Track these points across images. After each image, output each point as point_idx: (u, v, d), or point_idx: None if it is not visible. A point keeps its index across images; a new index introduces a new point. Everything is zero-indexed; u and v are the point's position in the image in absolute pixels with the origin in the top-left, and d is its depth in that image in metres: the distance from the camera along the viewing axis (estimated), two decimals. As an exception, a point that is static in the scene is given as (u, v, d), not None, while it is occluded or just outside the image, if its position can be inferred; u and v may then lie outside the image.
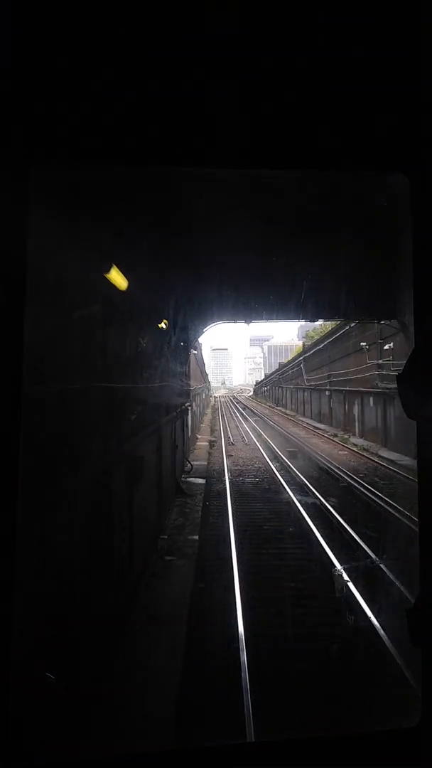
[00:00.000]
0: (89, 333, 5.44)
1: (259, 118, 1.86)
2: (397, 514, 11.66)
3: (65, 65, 1.73)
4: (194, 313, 15.74)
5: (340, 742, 1.86)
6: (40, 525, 3.75)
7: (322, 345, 33.41)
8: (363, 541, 9.79)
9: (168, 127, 1.84)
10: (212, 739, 4.10)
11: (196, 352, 24.46)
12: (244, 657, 5.79)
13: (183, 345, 15.88)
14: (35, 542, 3.70)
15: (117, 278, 6.36)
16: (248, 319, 18.59)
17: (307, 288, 12.95)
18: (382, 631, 6.31)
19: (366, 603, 7.03)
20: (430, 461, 1.72)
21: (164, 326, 11.16)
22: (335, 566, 8.45)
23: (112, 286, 6.31)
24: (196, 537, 10.35)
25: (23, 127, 1.72)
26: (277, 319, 23.78)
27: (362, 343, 24.12)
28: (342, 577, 8.03)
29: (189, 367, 19.02)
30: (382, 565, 8.53)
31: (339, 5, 1.77)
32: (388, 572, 8.16)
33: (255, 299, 15.94)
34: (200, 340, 25.05)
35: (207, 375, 51.50)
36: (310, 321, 23.54)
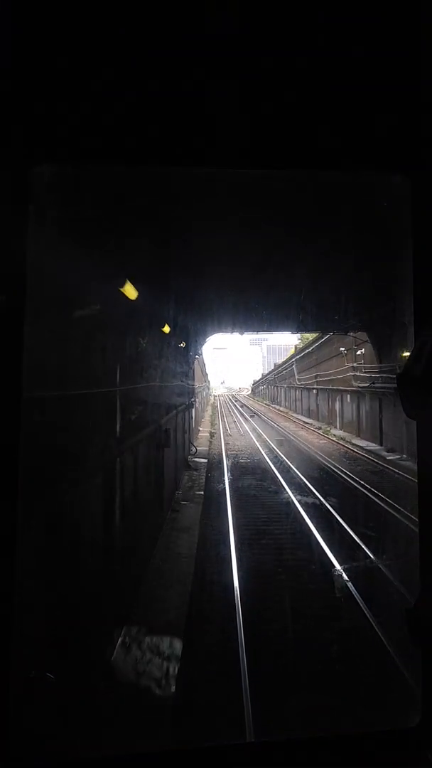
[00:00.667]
0: (146, 356, 9.46)
1: (259, 118, 1.87)
2: (345, 477, 15.93)
3: (65, 65, 1.74)
4: (198, 329, 19.68)
5: (340, 742, 1.90)
6: (123, 461, 7.63)
7: (310, 349, 37.37)
8: (313, 486, 14.05)
9: (168, 127, 1.85)
10: (212, 739, 4.28)
11: (198, 357, 28.42)
12: (232, 537, 9.95)
13: (191, 354, 19.88)
14: (122, 476, 7.44)
15: (167, 325, 10.44)
16: (241, 330, 22.72)
17: (294, 304, 16.07)
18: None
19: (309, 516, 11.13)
20: (430, 461, 1.73)
21: (178, 340, 15.12)
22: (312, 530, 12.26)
23: (163, 322, 10.36)
24: (202, 492, 14.33)
25: (24, 127, 1.75)
26: (266, 331, 27.65)
27: (341, 349, 28.02)
28: (342, 578, 8.54)
29: (193, 370, 22.95)
30: (321, 498, 12.67)
31: (339, 6, 1.77)
32: (322, 499, 12.32)
33: (246, 315, 19.84)
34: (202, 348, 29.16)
35: (207, 375, 55.36)
36: (293, 332, 27.53)
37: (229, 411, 51.68)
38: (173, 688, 5.70)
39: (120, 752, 1.92)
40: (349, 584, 7.94)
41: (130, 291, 7.64)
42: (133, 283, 7.67)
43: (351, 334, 23.18)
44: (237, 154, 1.92)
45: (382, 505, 12.45)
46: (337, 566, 8.71)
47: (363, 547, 9.48)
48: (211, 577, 8.61)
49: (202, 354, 32.70)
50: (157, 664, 6.00)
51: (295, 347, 50.67)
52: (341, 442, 25.45)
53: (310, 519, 11.22)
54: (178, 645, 6.19)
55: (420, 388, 1.54)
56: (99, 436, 6.13)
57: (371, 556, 9.15)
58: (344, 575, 8.26)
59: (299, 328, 27.28)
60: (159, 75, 1.78)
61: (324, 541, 9.87)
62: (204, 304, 16.03)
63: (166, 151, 1.90)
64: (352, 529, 10.40)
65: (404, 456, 18.53)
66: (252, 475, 17.16)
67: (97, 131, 1.81)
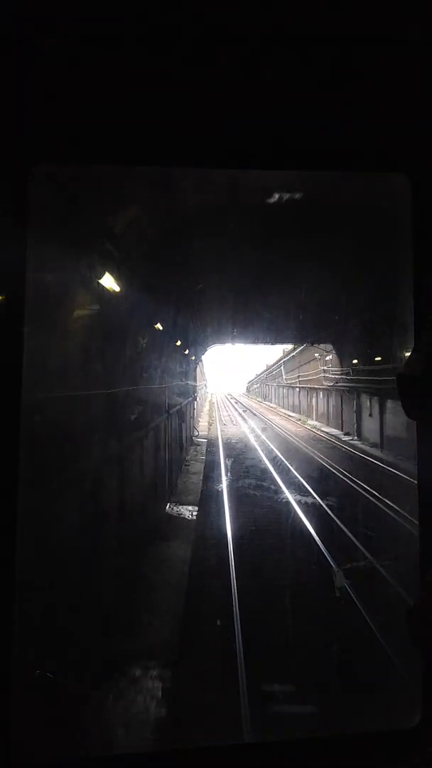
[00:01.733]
0: (172, 366, 15.58)
1: (260, 119, 1.85)
2: (306, 450, 22.21)
3: (65, 66, 1.73)
4: (200, 341, 25.71)
5: (340, 742, 1.92)
6: (166, 422, 13.74)
7: (294, 353, 43.48)
8: (280, 453, 20.23)
9: (168, 127, 1.84)
10: (212, 740, 4.30)
11: (199, 362, 34.55)
12: (223, 473, 16.05)
13: (195, 361, 26.01)
14: (166, 430, 13.68)
15: (179, 341, 16.39)
16: (234, 341, 28.84)
17: (280, 320, 20.97)
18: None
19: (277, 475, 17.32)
20: (430, 462, 1.75)
21: (186, 350, 21.15)
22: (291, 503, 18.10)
23: (179, 342, 16.36)
24: (203, 458, 20.43)
25: (24, 127, 1.74)
26: (254, 342, 33.63)
27: (316, 354, 34.07)
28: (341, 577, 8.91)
29: (195, 375, 29.04)
30: (284, 459, 18.81)
31: (340, 6, 1.73)
32: (284, 460, 18.46)
33: (237, 329, 25.90)
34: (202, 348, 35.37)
35: (205, 376, 61.58)
36: (275, 344, 33.72)
37: (225, 407, 57.96)
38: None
39: (120, 752, 1.89)
40: (287, 492, 14.14)
41: (160, 325, 13.60)
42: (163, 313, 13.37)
43: (321, 346, 29.35)
44: (237, 154, 1.90)
45: (324, 464, 18.61)
46: (282, 485, 14.88)
47: (304, 483, 15.59)
48: (210, 487, 14.92)
49: (202, 361, 38.85)
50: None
51: (283, 350, 56.97)
52: (313, 429, 31.51)
53: (273, 467, 17.39)
54: (196, 500, 12.40)
55: (420, 388, 1.51)
56: (156, 408, 12.19)
57: (305, 484, 15.30)
58: (288, 493, 14.40)
59: (283, 340, 33.45)
60: (159, 75, 1.75)
61: (277, 473, 16.15)
62: (204, 323, 21.98)
63: (165, 152, 1.88)
64: (297, 472, 16.59)
65: (355, 438, 24.65)
66: (239, 448, 23.28)
67: (97, 131, 1.80)
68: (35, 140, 1.76)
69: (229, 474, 16.95)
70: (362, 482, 15.27)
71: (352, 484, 15.55)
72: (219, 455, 21.29)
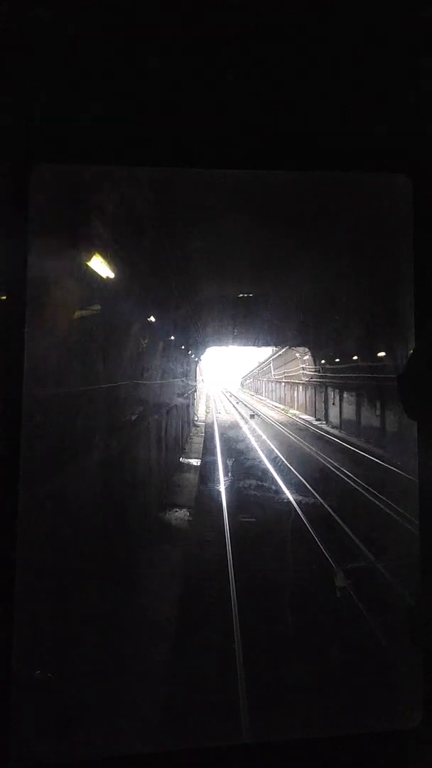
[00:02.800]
0: (181, 366, 21.76)
1: (260, 119, 1.83)
2: (282, 430, 28.52)
3: (65, 66, 1.71)
4: (200, 343, 31.82)
5: (340, 742, 1.90)
6: (183, 402, 19.92)
7: (280, 352, 49.66)
8: (262, 433, 26.44)
9: (168, 127, 1.83)
10: (213, 739, 4.37)
11: (198, 361, 40.70)
12: (218, 443, 22.32)
13: (195, 360, 32.14)
14: (182, 410, 19.91)
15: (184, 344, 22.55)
16: (228, 344, 34.98)
17: (269, 326, 26.19)
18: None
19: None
20: (431, 462, 1.72)
21: (189, 352, 27.27)
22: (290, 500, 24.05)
23: (183, 346, 22.52)
24: (203, 434, 26.62)
25: (24, 127, 1.72)
26: (246, 345, 39.79)
27: (296, 354, 40.16)
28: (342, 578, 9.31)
29: (195, 372, 35.21)
30: (264, 437, 25.07)
31: (340, 7, 1.71)
32: (264, 437, 24.71)
33: (232, 333, 32.00)
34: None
35: (202, 371, 67.77)
36: (264, 347, 39.88)
37: (221, 400, 64.25)
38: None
39: (119, 752, 1.85)
40: (261, 453, 20.31)
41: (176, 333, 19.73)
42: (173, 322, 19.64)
43: (300, 348, 35.48)
44: (237, 154, 1.88)
45: (291, 438, 24.84)
46: (259, 451, 21.04)
47: (273, 448, 21.72)
48: (208, 448, 21.03)
49: (201, 360, 44.95)
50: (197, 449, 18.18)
51: (273, 350, 63.20)
52: (292, 416, 37.66)
53: (255, 441, 23.58)
54: (199, 455, 18.58)
55: (421, 388, 1.49)
56: (174, 394, 18.31)
57: (274, 449, 21.45)
58: (261, 453, 20.56)
59: (270, 343, 39.59)
60: (159, 76, 1.74)
61: (257, 444, 22.31)
62: (204, 328, 27.96)
63: (165, 152, 1.87)
64: (271, 442, 22.78)
65: (323, 422, 30.82)
66: (231, 430, 29.47)
67: (97, 131, 1.78)
68: (35, 140, 1.75)
69: (220, 443, 23.16)
70: (311, 446, 21.58)
71: (305, 449, 21.84)
72: (215, 432, 27.45)
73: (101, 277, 7.04)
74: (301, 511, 12.62)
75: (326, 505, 13.06)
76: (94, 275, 6.75)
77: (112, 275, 7.25)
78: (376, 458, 17.54)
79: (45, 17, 1.63)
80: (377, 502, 13.12)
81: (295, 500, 13.63)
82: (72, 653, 5.08)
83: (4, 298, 1.66)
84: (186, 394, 22.93)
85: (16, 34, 1.64)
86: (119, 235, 7.09)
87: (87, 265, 6.46)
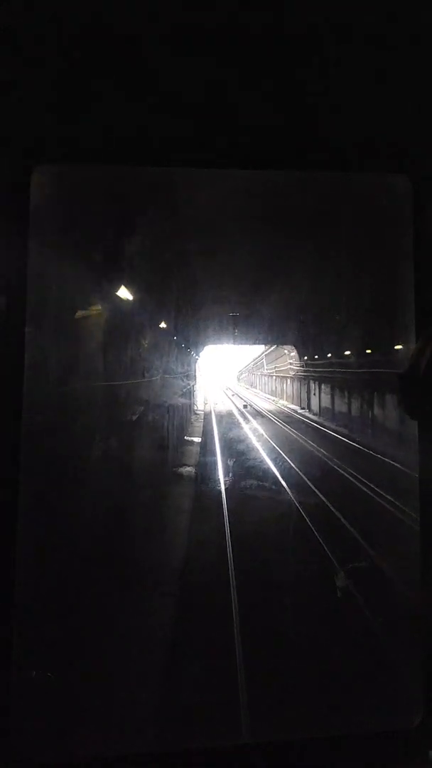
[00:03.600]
0: (182, 358, 26.59)
1: (260, 119, 1.83)
2: (271, 417, 33.53)
3: (65, 67, 1.71)
4: (199, 342, 36.54)
5: (340, 742, 1.91)
6: (186, 395, 24.80)
7: (272, 348, 54.48)
8: (252, 419, 31.48)
9: (168, 128, 1.83)
10: (213, 739, 4.43)
11: (197, 357, 45.49)
12: (215, 426, 27.30)
13: (195, 357, 36.93)
14: (183, 404, 24.73)
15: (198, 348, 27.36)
16: (224, 342, 39.68)
17: (261, 327, 30.57)
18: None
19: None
20: (431, 463, 1.75)
21: (189, 350, 32.02)
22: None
23: (185, 344, 27.32)
24: (202, 420, 31.49)
25: (24, 128, 1.71)
26: (241, 344, 44.48)
27: (285, 351, 44.96)
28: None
29: (195, 365, 39.99)
30: (254, 422, 30.08)
31: (340, 7, 1.71)
32: (254, 422, 29.67)
33: (228, 333, 36.74)
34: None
35: (200, 367, 72.57)
36: (257, 344, 44.66)
37: (218, 393, 69.24)
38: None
39: (120, 752, 1.84)
40: (251, 435, 25.17)
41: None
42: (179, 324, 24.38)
43: (287, 346, 40.27)
44: (237, 154, 1.89)
45: (275, 422, 29.76)
46: (249, 434, 25.89)
47: (260, 429, 26.52)
48: (206, 429, 25.86)
49: (199, 356, 49.74)
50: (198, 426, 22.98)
51: (266, 347, 68.22)
52: (281, 406, 42.58)
53: (245, 425, 28.43)
54: (200, 435, 23.44)
55: (422, 388, 1.49)
56: (181, 385, 23.13)
57: (260, 430, 26.27)
58: (251, 434, 25.40)
59: (262, 342, 44.47)
60: (158, 76, 1.74)
61: (248, 429, 27.13)
62: (204, 328, 32.64)
63: (165, 152, 1.88)
64: (260, 427, 27.62)
65: (306, 410, 35.59)
66: (226, 417, 34.34)
67: (97, 132, 1.79)
68: (35, 141, 1.73)
69: (217, 426, 27.98)
70: (289, 426, 26.51)
71: (284, 429, 26.73)
72: (212, 418, 32.31)
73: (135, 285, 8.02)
74: (270, 460, 17.67)
75: (287, 458, 18.05)
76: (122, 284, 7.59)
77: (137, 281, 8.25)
78: (337, 434, 22.52)
79: (45, 17, 1.61)
80: (319, 455, 18.25)
81: (268, 457, 18.57)
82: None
83: (5, 298, 1.63)
84: (189, 385, 27.61)
85: (17, 34, 1.62)
86: (119, 236, 7.32)
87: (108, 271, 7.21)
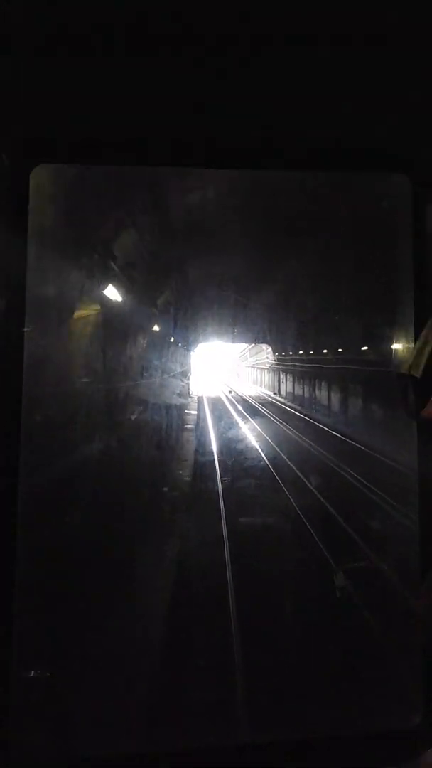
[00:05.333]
0: (179, 354, 36.14)
1: (260, 119, 1.82)
2: (247, 398, 43.35)
3: (65, 67, 1.70)
4: (194, 339, 45.78)
5: (340, 742, 1.92)
6: (184, 386, 34.36)
7: (254, 344, 63.76)
8: (234, 400, 41.31)
9: (167, 127, 1.81)
10: (213, 739, 4.49)
11: (191, 353, 54.93)
12: (206, 407, 37.07)
13: (190, 353, 46.40)
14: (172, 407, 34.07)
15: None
16: (214, 340, 49.40)
17: (244, 327, 40.52)
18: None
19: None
20: (431, 463, 1.70)
21: (185, 347, 41.45)
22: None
23: (182, 341, 36.82)
24: (196, 402, 41.11)
25: (24, 128, 1.69)
26: (228, 342, 53.82)
27: (263, 347, 54.25)
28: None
29: (189, 360, 49.43)
30: (236, 402, 39.94)
31: (340, 7, 1.70)
32: (236, 402, 39.61)
33: (218, 330, 46.18)
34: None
35: (193, 361, 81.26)
36: (241, 343, 54.10)
37: (207, 382, 78.83)
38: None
39: (120, 752, 1.78)
40: (234, 412, 34.83)
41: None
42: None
43: (264, 344, 49.75)
44: (237, 154, 1.86)
45: (250, 402, 39.45)
46: (229, 407, 35.52)
47: (238, 406, 36.05)
48: (201, 409, 35.41)
49: (192, 352, 58.72)
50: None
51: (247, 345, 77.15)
52: (259, 392, 52.13)
53: (228, 404, 38.05)
54: (196, 407, 33.06)
55: (421, 388, 1.46)
56: (179, 375, 32.59)
57: (238, 406, 35.85)
58: (234, 414, 35.04)
59: (244, 341, 53.84)
60: (158, 76, 1.72)
61: (230, 406, 36.84)
62: (196, 328, 41.86)
63: (165, 152, 1.84)
64: (238, 406, 37.26)
65: (276, 395, 45.15)
66: (214, 399, 43.96)
67: (97, 132, 1.76)
68: (35, 141, 1.70)
69: (207, 404, 37.50)
70: (258, 404, 36.20)
71: (255, 405, 36.33)
72: (204, 399, 41.70)
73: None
74: (240, 418, 27.45)
75: (248, 416, 27.79)
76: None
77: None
78: (290, 408, 32.23)
79: (45, 17, 1.62)
80: (272, 419, 27.87)
81: (239, 417, 28.13)
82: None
83: (4, 298, 1.61)
84: (186, 374, 36.98)
85: (16, 34, 1.62)
86: (119, 236, 7.23)
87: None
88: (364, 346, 15.39)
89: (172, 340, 19.17)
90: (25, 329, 1.75)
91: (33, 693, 2.85)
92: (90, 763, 2.15)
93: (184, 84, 1.86)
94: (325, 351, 27.66)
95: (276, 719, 5.36)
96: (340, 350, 20.39)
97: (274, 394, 45.63)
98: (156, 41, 1.77)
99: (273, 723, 5.31)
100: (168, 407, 15.96)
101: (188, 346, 43.48)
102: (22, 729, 2.02)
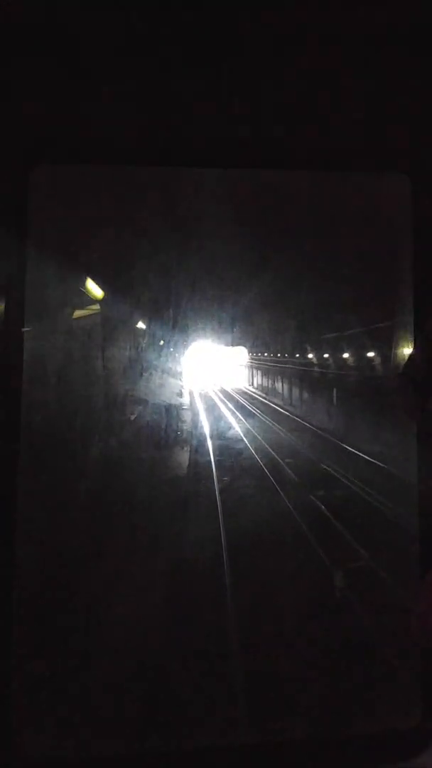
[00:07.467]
0: (178, 355, 36.03)
1: (259, 119, 1.84)
2: (228, 390, 44.58)
3: (65, 67, 1.71)
4: (189, 339, 45.66)
5: (340, 742, 1.92)
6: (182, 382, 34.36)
7: (234, 346, 64.80)
8: (223, 396, 41.82)
9: (167, 127, 1.84)
10: (212, 739, 4.35)
11: (185, 353, 55.21)
12: (197, 399, 37.52)
13: (185, 353, 46.53)
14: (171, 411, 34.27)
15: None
16: (202, 341, 49.60)
17: (227, 331, 40.16)
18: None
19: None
20: (431, 463, 1.76)
21: (179, 349, 41.37)
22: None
23: (175, 344, 36.59)
24: (188, 394, 41.31)
25: (24, 128, 1.73)
26: (217, 344, 54.24)
27: (242, 348, 54.65)
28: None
29: (181, 360, 49.74)
30: (223, 398, 40.31)
31: (340, 7, 1.69)
32: (218, 393, 40.01)
33: (213, 331, 46.07)
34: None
35: (184, 359, 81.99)
36: (226, 346, 54.55)
37: (197, 378, 79.28)
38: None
39: (120, 752, 1.80)
40: (215, 397, 35.34)
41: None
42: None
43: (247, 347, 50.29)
44: (237, 154, 1.90)
45: (229, 391, 40.47)
46: (213, 396, 35.83)
47: (221, 396, 36.66)
48: (193, 400, 36.13)
49: (184, 353, 58.95)
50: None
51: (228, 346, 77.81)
52: (238, 386, 52.69)
53: (213, 395, 38.79)
54: (189, 398, 33.86)
55: (421, 388, 1.47)
56: (176, 373, 32.47)
57: (221, 396, 36.44)
58: (221, 404, 35.36)
59: (228, 343, 54.35)
60: (158, 76, 1.73)
61: (213, 395, 37.92)
62: (188, 330, 41.66)
63: (165, 152, 1.89)
64: (220, 395, 38.47)
65: (251, 387, 45.65)
66: (202, 391, 44.37)
67: (97, 132, 1.81)
68: (35, 141, 1.75)
69: (198, 396, 37.84)
70: (234, 393, 37.67)
71: (232, 394, 38.91)
72: (195, 395, 42.08)
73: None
74: (219, 402, 30.80)
75: (228, 403, 31.10)
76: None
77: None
78: (259, 397, 36.51)
79: (45, 17, 1.61)
80: (242, 402, 32.58)
81: (219, 402, 30.72)
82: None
83: (3, 298, 1.63)
84: (180, 372, 36.95)
85: (16, 34, 1.61)
86: (119, 236, 7.35)
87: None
88: (304, 350, 19.70)
89: (162, 343, 18.62)
90: (25, 329, 1.80)
91: (33, 693, 2.90)
92: (90, 764, 2.17)
93: (184, 84, 1.89)
94: (278, 355, 33.83)
95: (275, 719, 5.30)
96: (286, 354, 29.14)
97: (250, 386, 46.25)
98: (156, 41, 1.78)
99: (272, 723, 5.23)
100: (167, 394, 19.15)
101: (178, 347, 43.31)
102: (22, 729, 2.05)
